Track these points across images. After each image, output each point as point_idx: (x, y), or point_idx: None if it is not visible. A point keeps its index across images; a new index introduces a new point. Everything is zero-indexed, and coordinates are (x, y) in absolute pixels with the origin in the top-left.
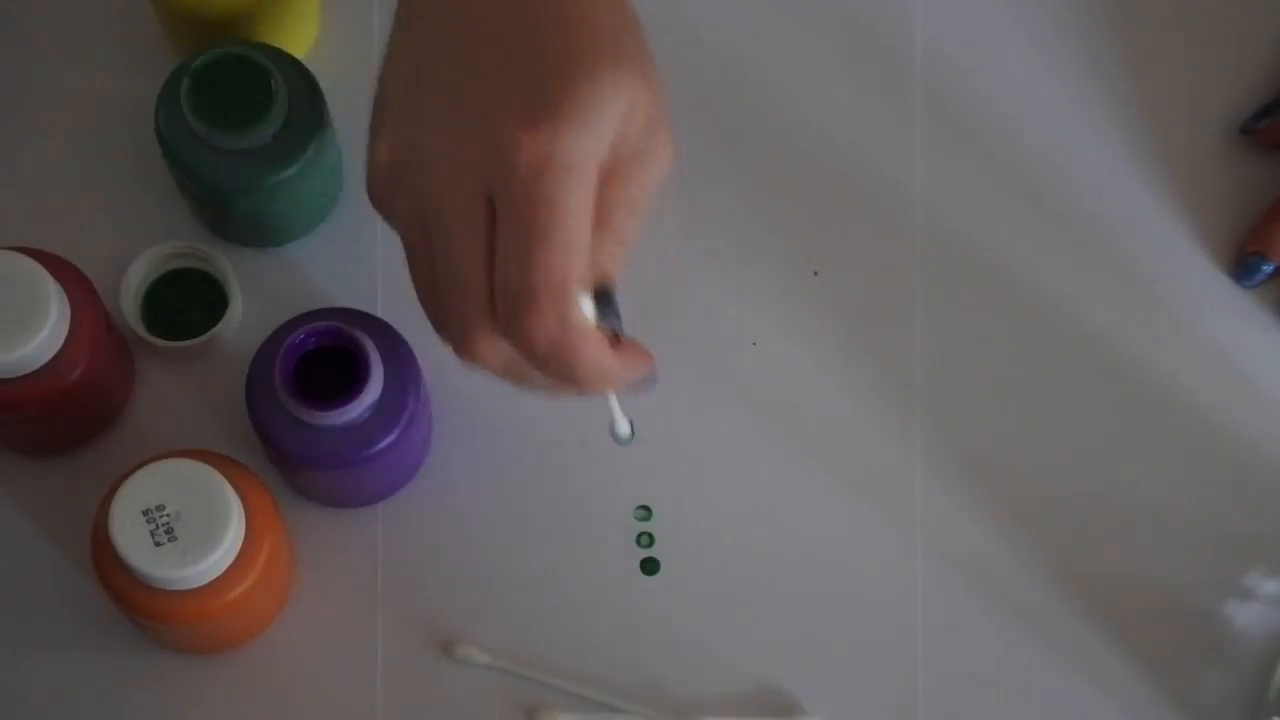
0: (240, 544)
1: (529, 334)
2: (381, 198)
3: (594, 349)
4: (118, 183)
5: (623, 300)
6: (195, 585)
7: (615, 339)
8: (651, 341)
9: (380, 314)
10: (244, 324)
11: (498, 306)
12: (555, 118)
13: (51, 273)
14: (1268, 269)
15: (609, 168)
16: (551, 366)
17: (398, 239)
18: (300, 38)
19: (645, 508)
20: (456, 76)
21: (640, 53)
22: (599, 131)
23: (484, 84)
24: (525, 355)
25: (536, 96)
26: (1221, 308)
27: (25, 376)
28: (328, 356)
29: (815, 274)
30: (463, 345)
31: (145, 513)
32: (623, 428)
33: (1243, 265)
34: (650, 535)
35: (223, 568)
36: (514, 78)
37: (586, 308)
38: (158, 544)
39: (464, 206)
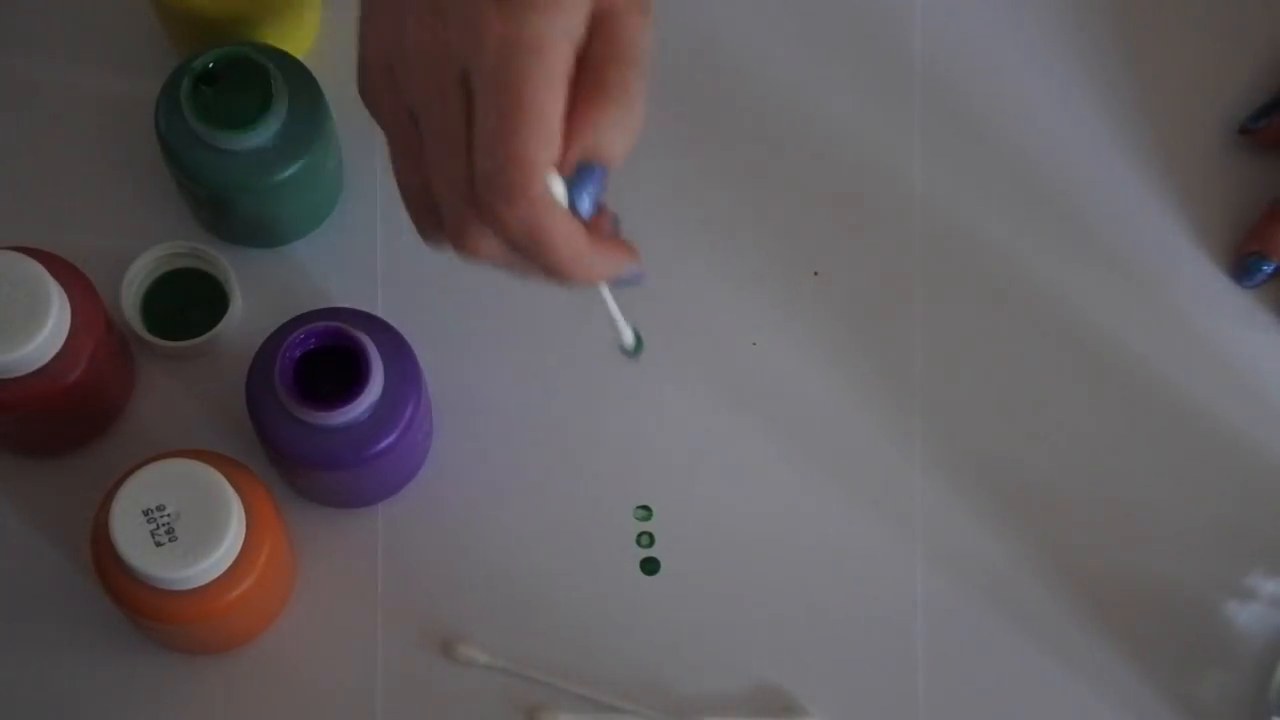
0: (240, 544)
1: (503, 220)
2: (371, 96)
3: (569, 234)
4: (118, 183)
5: (624, 301)
6: (195, 585)
7: (603, 224)
8: (652, 341)
9: (380, 314)
10: (244, 324)
11: (476, 195)
12: None
13: (51, 273)
14: (1267, 269)
15: (595, 19)
16: (529, 252)
17: (398, 239)
18: (300, 38)
19: (645, 508)
20: None
21: None
22: (569, 5)
23: None
24: (505, 242)
25: None
26: (1221, 308)
27: (25, 376)
28: (328, 356)
29: (815, 274)
30: (458, 241)
31: (145, 513)
32: (627, 336)
33: (1242, 265)
34: (650, 535)
35: (223, 568)
36: None
37: (557, 189)
38: (158, 544)
39: (446, 95)
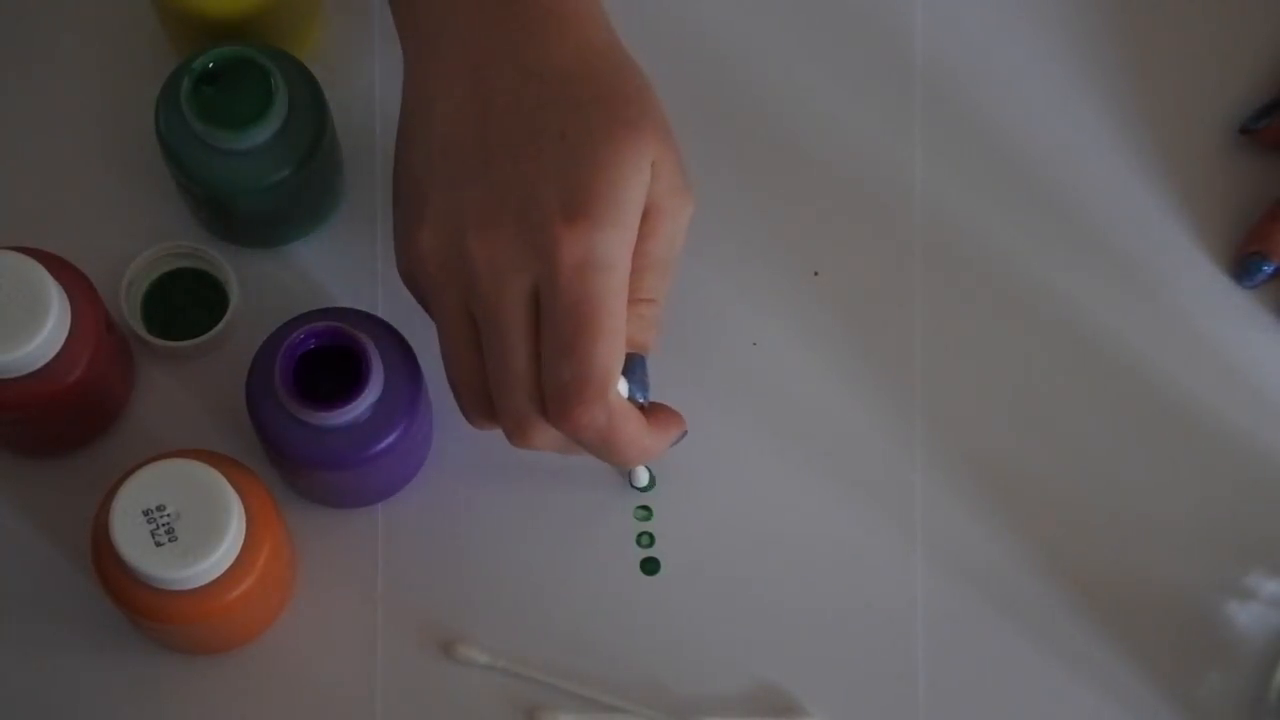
0: (240, 544)
1: (577, 426)
2: (423, 287)
3: (636, 430)
4: (118, 183)
5: None
6: (195, 585)
7: (643, 408)
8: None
9: (380, 314)
10: (244, 324)
11: (546, 401)
12: (589, 214)
13: (51, 273)
14: (1268, 269)
15: (643, 215)
16: (598, 451)
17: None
18: (301, 38)
19: (645, 508)
20: (486, 162)
21: (653, 112)
22: (629, 217)
23: (515, 170)
24: (575, 441)
25: (567, 186)
26: (1221, 308)
27: (25, 376)
28: (328, 356)
29: (815, 274)
30: (519, 437)
31: (145, 513)
32: (641, 479)
33: (1243, 265)
34: (650, 535)
35: (223, 568)
36: (542, 165)
37: (622, 388)
38: (158, 544)
39: (515, 305)
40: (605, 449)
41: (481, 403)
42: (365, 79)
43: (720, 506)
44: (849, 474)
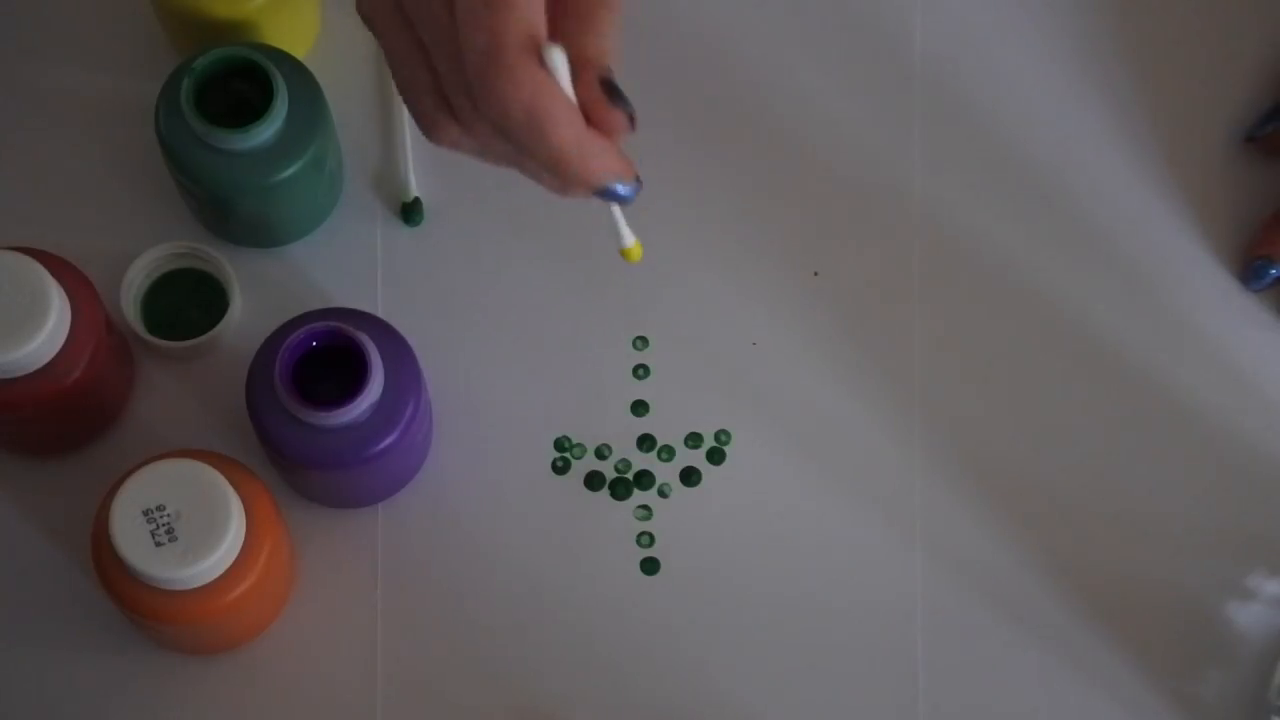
0: (240, 544)
1: (501, 97)
2: (369, 8)
3: (566, 113)
4: (118, 183)
5: (624, 300)
6: (195, 585)
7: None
8: (653, 341)
9: (380, 314)
10: (244, 324)
11: (469, 76)
12: None
13: (51, 273)
14: (1275, 272)
15: None
16: (527, 135)
17: (398, 239)
18: (300, 38)
19: (645, 507)
20: None
21: None
22: None
23: None
24: (501, 126)
25: None
26: (1226, 310)
27: (25, 376)
28: (328, 356)
29: (815, 274)
30: (436, 132)
31: (145, 513)
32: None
33: (1250, 269)
34: (650, 535)
35: (223, 568)
36: None
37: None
38: (158, 544)
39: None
40: (537, 134)
41: (428, 111)
42: (365, 79)
43: (720, 506)
44: (849, 474)
